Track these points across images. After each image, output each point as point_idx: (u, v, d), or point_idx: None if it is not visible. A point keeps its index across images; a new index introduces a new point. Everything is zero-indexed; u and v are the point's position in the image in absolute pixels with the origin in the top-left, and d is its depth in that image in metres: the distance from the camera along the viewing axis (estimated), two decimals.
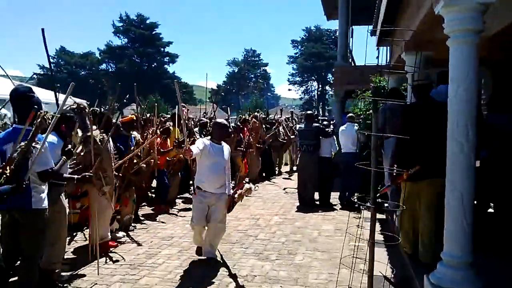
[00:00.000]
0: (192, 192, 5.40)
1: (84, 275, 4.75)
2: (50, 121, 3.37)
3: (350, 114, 9.24)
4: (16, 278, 3.74)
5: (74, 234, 6.18)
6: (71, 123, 4.49)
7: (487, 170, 5.12)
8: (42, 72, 58.68)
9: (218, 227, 5.20)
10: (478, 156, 4.08)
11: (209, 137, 5.45)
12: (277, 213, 8.13)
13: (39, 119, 3.04)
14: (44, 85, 13.29)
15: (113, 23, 63.00)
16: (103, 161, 5.03)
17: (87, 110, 5.06)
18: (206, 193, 5.07)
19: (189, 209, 8.28)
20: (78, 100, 5.12)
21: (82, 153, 5.00)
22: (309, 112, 10.08)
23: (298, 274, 4.91)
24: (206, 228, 5.25)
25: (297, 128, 9.32)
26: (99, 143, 5.01)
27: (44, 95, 12.29)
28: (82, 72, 61.18)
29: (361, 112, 8.84)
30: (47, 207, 3.74)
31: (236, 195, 5.54)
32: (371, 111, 8.35)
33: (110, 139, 5.42)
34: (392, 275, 4.48)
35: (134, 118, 7.20)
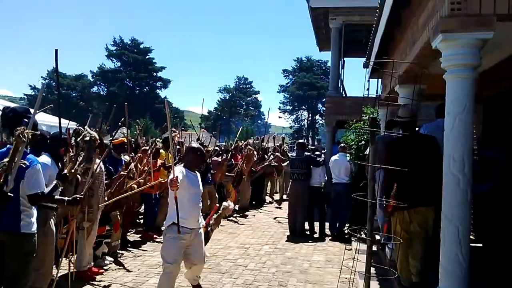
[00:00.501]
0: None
1: None
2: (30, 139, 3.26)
3: (342, 144, 9.26)
4: None
5: (60, 259, 5.98)
6: (66, 145, 4.41)
7: (485, 204, 5.10)
8: (32, 93, 58.58)
9: (202, 265, 4.79)
10: (477, 190, 4.07)
11: (181, 164, 4.87)
12: (267, 242, 8.01)
13: (18, 136, 2.95)
14: (33, 105, 13.17)
15: (107, 46, 63.41)
16: (92, 198, 4.95)
17: (96, 143, 4.99)
18: (186, 229, 4.35)
19: None
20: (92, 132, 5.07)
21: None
22: (300, 141, 10.09)
23: None
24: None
25: (290, 157, 9.29)
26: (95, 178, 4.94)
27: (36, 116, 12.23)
28: (74, 94, 61.06)
29: (353, 143, 8.88)
30: (35, 231, 3.64)
31: (211, 221, 5.20)
32: (363, 142, 8.41)
33: (101, 163, 5.35)
34: None
35: (125, 140, 7.11)
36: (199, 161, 4.86)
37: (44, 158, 4.21)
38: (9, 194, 3.14)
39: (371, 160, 2.86)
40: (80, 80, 62.26)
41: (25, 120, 3.61)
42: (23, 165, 3.36)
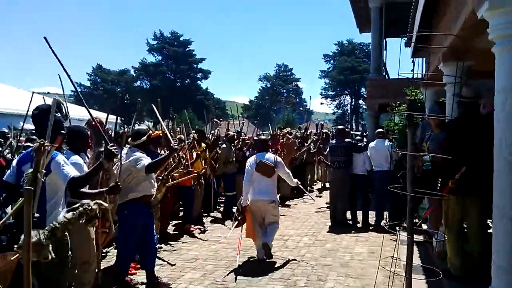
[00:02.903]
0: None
1: None
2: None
3: (379, 130, 8.81)
4: None
5: (103, 254, 6.01)
6: (85, 136, 4.31)
7: None
8: (79, 90, 60.67)
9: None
10: None
11: (253, 157, 6.33)
12: (307, 233, 7.75)
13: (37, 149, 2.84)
14: (79, 103, 13.49)
15: (148, 41, 64.48)
16: (110, 180, 4.87)
17: (103, 125, 4.90)
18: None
19: (212, 230, 8.07)
20: (97, 114, 4.98)
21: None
22: (340, 126, 9.66)
23: None
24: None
25: (329, 144, 8.92)
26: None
27: (79, 112, 12.53)
28: (118, 89, 62.66)
29: (396, 128, 8.39)
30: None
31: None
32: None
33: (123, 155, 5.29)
34: None
35: (161, 134, 7.04)
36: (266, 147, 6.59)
37: (76, 158, 4.12)
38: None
39: (409, 147, 2.54)
40: (123, 75, 63.73)
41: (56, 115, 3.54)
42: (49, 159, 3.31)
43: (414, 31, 5.75)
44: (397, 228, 7.44)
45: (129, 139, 5.15)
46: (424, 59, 7.34)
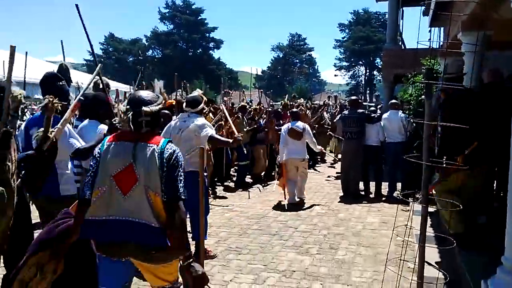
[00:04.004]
0: None
1: None
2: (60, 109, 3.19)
3: (393, 101, 8.70)
4: None
5: None
6: (107, 105, 4.32)
7: None
8: (92, 59, 60.70)
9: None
10: None
11: (287, 124, 7.85)
12: (319, 203, 7.82)
13: (49, 105, 2.85)
14: (93, 71, 13.49)
15: (159, 9, 63.87)
16: None
17: (110, 88, 4.89)
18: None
19: (224, 197, 8.18)
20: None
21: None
22: (353, 97, 9.60)
23: (340, 271, 4.61)
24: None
25: (341, 115, 8.87)
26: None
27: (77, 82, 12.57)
28: (130, 58, 62.56)
29: (412, 98, 8.31)
30: (76, 193, 3.65)
31: None
32: (423, 96, 7.81)
33: None
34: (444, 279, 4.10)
35: (174, 103, 7.09)
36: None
37: (103, 127, 4.16)
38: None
39: (426, 117, 2.52)
40: (135, 44, 63.51)
41: (59, 83, 3.59)
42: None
43: None
44: (410, 199, 7.46)
45: (184, 106, 5.01)
46: (442, 28, 7.16)
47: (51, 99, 2.84)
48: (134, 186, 2.37)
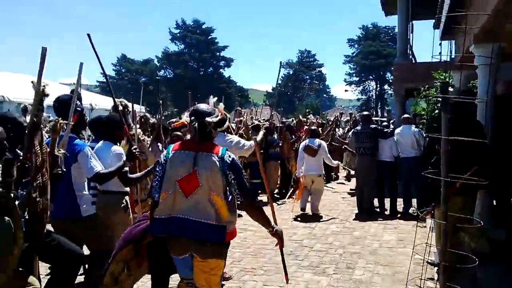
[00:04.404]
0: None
1: None
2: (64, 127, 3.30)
3: (405, 115, 8.61)
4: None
5: None
6: (121, 125, 4.34)
7: None
8: (104, 80, 61.62)
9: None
10: None
11: (305, 141, 8.35)
12: (334, 221, 7.70)
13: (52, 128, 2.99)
14: (107, 92, 13.68)
15: (170, 29, 64.75)
16: (147, 160, 4.92)
17: (129, 108, 4.93)
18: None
19: (240, 215, 8.09)
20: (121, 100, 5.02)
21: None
22: (365, 112, 9.52)
23: None
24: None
25: (353, 130, 8.79)
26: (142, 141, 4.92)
27: (104, 102, 12.70)
28: (142, 79, 63.32)
29: (424, 112, 8.19)
30: (94, 212, 3.75)
31: None
32: (437, 111, 7.70)
33: (160, 147, 5.35)
34: None
35: (185, 123, 7.10)
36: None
37: (118, 148, 4.19)
38: (59, 172, 3.17)
39: (443, 131, 2.46)
40: (147, 64, 64.28)
41: (78, 108, 3.65)
42: (75, 150, 3.55)
43: (444, 11, 5.55)
44: (428, 216, 7.32)
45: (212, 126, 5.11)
46: (454, 41, 7.10)
47: (57, 120, 2.96)
48: (197, 190, 2.73)
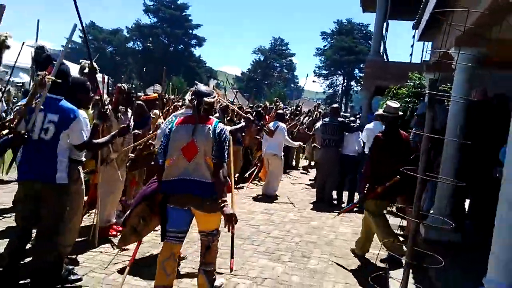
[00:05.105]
0: None
1: (78, 262, 4.38)
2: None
3: (379, 112, 8.65)
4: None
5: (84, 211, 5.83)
6: (87, 89, 4.06)
7: None
8: (70, 46, 59.25)
9: None
10: None
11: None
12: (292, 209, 7.68)
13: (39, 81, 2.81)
14: (72, 59, 12.94)
15: (144, 1, 62.85)
16: (111, 127, 4.67)
17: (97, 71, 4.61)
18: None
19: None
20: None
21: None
22: (335, 105, 9.53)
23: (312, 280, 4.47)
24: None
25: (322, 122, 8.75)
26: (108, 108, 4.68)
27: (71, 68, 12.00)
28: (109, 49, 61.24)
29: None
30: (67, 182, 3.51)
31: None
32: (408, 112, 7.75)
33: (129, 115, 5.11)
34: None
35: (157, 97, 6.90)
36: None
37: (83, 113, 3.91)
38: (24, 135, 3.18)
39: (427, 129, 2.39)
40: (116, 34, 62.19)
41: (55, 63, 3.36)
42: (70, 116, 3.39)
43: (427, 11, 5.53)
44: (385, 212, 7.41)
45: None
46: (431, 43, 7.16)
47: (43, 75, 2.95)
48: (196, 155, 3.35)
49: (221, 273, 4.31)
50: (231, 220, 3.33)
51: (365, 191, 4.99)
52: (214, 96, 3.55)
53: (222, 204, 3.31)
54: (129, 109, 5.21)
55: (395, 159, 4.65)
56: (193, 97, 3.53)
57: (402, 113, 8.31)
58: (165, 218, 3.54)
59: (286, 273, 4.60)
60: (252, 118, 5.72)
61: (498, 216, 2.72)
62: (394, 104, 5.13)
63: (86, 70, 4.33)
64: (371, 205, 4.98)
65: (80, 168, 3.92)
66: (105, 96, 4.74)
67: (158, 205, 3.63)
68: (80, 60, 4.87)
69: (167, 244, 3.51)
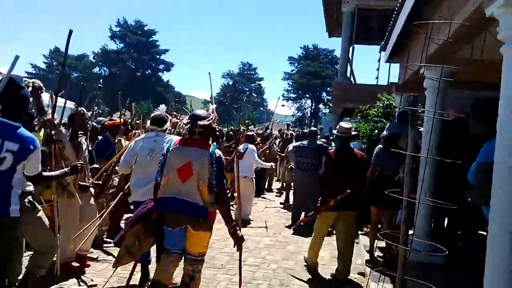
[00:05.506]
0: None
1: None
2: None
3: (355, 133, 8.65)
4: None
5: None
6: (30, 116, 3.80)
7: None
8: (33, 71, 57.82)
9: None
10: None
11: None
12: (267, 234, 7.47)
13: None
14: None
15: (110, 27, 62.44)
16: (65, 149, 4.39)
17: (42, 90, 4.32)
18: None
19: None
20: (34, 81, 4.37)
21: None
22: (313, 128, 9.47)
23: None
24: None
25: (296, 145, 8.63)
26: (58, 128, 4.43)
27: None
28: (75, 74, 60.17)
29: (364, 132, 8.27)
30: (18, 216, 3.23)
31: None
32: (376, 131, 7.78)
33: (83, 140, 4.83)
34: None
35: (120, 122, 6.65)
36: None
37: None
38: None
39: (411, 147, 2.29)
40: (81, 60, 61.30)
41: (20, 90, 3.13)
42: (30, 146, 3.16)
43: (395, 32, 5.58)
44: (359, 233, 7.32)
45: (150, 124, 4.76)
46: (399, 64, 7.26)
47: None
48: (190, 178, 3.47)
49: None
50: (241, 242, 3.74)
51: (318, 204, 5.40)
52: (210, 119, 3.64)
53: (232, 228, 3.61)
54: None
55: (347, 174, 5.17)
56: (188, 120, 3.71)
57: (356, 133, 8.52)
58: (160, 237, 3.66)
59: None
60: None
61: (489, 240, 2.61)
62: (346, 124, 5.55)
63: (30, 89, 4.04)
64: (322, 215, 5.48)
65: (29, 197, 3.66)
66: (55, 116, 4.46)
67: (153, 224, 3.68)
68: (24, 79, 4.58)
69: (168, 256, 3.64)
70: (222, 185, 3.52)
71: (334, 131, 6.49)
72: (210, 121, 3.64)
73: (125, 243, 3.65)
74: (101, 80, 49.39)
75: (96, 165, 5.40)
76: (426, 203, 3.36)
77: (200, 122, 3.54)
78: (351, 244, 5.36)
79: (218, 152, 3.57)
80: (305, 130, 13.06)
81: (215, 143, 4.17)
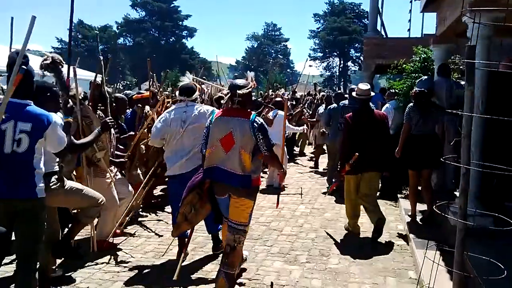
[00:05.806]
0: None
1: (74, 280, 4.01)
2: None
3: (391, 91, 8.22)
4: None
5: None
6: (53, 95, 3.58)
7: None
8: (60, 46, 58.30)
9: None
10: None
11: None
12: (302, 201, 7.27)
13: None
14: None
15: None
16: (92, 124, 4.25)
17: (62, 64, 4.07)
18: None
19: None
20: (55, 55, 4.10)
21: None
22: (353, 86, 9.02)
23: (335, 284, 4.06)
24: None
25: (342, 104, 7.95)
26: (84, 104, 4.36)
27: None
28: (100, 46, 60.41)
29: (400, 89, 7.81)
30: (44, 196, 3.10)
31: None
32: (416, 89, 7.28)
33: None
34: None
35: (150, 95, 6.52)
36: None
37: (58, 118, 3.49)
38: None
39: (468, 107, 1.97)
40: (105, 31, 61.22)
41: (23, 67, 2.87)
42: (44, 122, 2.99)
43: None
44: (399, 196, 7.02)
45: (178, 94, 4.59)
46: (435, 13, 6.69)
47: None
48: (233, 147, 3.54)
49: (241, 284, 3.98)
50: (284, 175, 4.28)
51: (339, 169, 5.47)
52: (249, 88, 3.66)
53: (282, 172, 4.09)
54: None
55: (367, 137, 5.16)
56: (228, 90, 3.77)
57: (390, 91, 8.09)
58: (216, 204, 3.76)
59: (305, 276, 4.20)
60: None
61: None
62: (364, 86, 5.38)
63: (48, 61, 3.82)
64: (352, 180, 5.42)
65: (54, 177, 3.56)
66: (80, 89, 4.30)
67: (206, 192, 3.75)
68: (44, 52, 4.43)
69: (225, 222, 3.77)
70: (270, 148, 3.61)
71: (353, 93, 6.06)
72: (250, 89, 3.66)
73: (182, 211, 3.77)
74: (101, 53, 49.61)
75: (132, 133, 5.57)
76: (479, 169, 3.03)
77: (239, 91, 3.57)
78: (372, 199, 5.37)
79: (259, 119, 3.60)
80: (339, 91, 12.53)
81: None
